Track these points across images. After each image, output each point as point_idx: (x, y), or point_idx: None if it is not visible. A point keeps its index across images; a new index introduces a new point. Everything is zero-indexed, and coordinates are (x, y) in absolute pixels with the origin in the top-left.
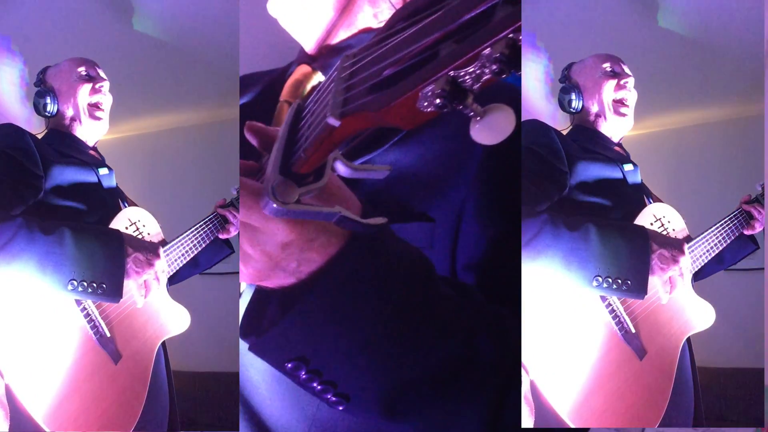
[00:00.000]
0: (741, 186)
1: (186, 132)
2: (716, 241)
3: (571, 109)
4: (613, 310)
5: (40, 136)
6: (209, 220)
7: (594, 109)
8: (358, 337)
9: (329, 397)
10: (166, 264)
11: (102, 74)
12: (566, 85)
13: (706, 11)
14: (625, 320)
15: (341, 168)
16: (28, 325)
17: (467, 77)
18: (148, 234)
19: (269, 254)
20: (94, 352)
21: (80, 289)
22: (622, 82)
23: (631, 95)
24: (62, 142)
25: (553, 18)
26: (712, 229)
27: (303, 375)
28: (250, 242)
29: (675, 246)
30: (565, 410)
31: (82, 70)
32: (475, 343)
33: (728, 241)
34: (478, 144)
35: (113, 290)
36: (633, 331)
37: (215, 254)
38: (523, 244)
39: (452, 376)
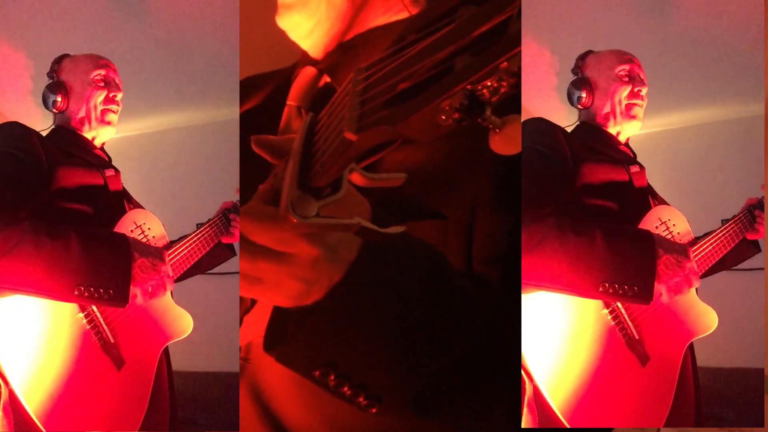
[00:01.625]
0: (743, 185)
1: (187, 132)
2: (720, 245)
3: (579, 106)
4: (617, 316)
5: (44, 133)
6: (213, 223)
7: (604, 110)
8: (382, 336)
9: (361, 400)
10: (170, 269)
11: (117, 80)
12: (577, 78)
13: (708, 12)
14: (629, 325)
15: (358, 179)
16: (32, 330)
17: (484, 90)
18: (153, 237)
19: (303, 278)
20: (97, 358)
21: (86, 295)
22: (636, 90)
23: (643, 104)
24: (68, 141)
25: (558, 15)
26: (716, 233)
27: (332, 380)
28: (278, 272)
29: (681, 252)
30: (566, 416)
31: (98, 75)
32: (496, 331)
33: (731, 245)
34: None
35: (120, 296)
36: (636, 336)
37: (217, 257)
38: (529, 249)
39: (478, 366)
